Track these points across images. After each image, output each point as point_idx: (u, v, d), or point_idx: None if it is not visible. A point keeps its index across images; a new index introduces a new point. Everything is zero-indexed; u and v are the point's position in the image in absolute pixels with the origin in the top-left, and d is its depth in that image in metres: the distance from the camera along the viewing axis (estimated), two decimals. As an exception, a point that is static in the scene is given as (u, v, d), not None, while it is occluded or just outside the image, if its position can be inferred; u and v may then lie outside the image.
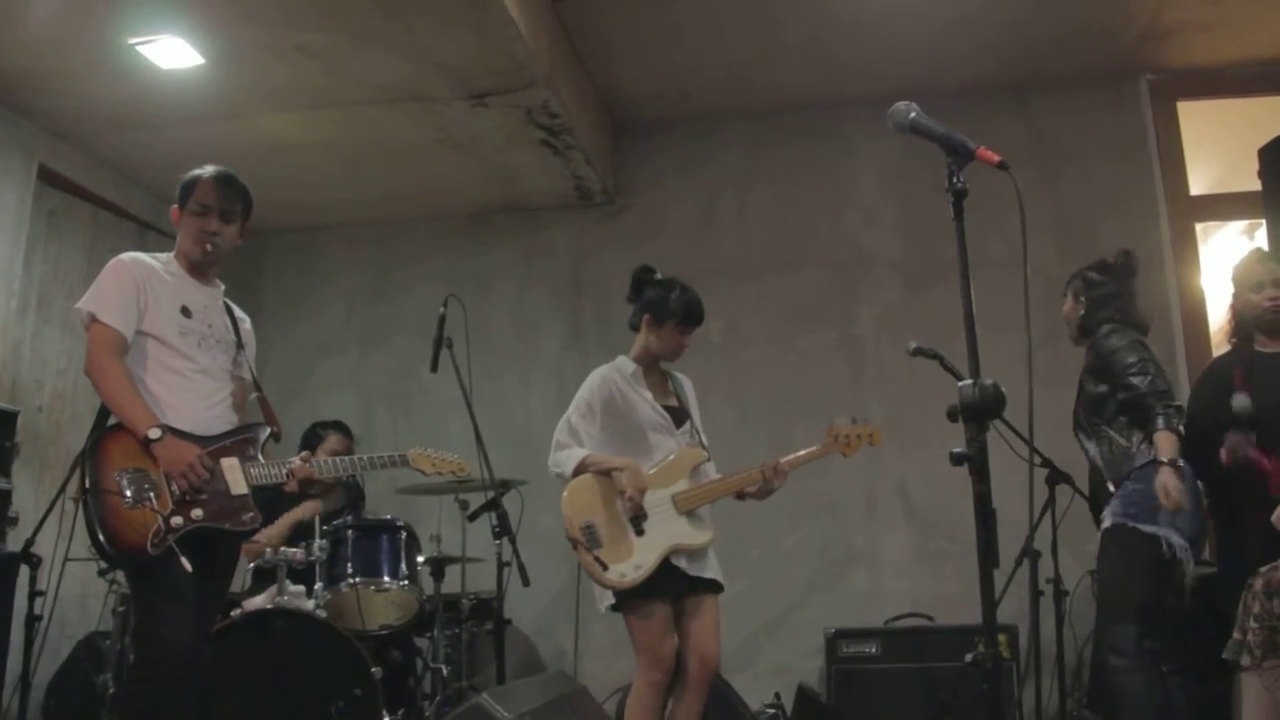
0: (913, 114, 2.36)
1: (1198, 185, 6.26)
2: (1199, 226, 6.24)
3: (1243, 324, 4.27)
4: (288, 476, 3.44)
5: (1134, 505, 3.81)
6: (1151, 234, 6.07)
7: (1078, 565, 4.99)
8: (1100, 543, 3.95)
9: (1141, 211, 6.11)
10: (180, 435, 3.22)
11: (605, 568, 3.74)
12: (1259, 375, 4.06)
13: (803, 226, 6.50)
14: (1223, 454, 3.97)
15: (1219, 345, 5.50)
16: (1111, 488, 3.93)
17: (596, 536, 3.80)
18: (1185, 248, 6.08)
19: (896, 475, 6.01)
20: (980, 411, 2.14)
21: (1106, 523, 3.90)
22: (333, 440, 5.70)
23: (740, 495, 4.01)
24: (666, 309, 4.08)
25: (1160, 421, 3.83)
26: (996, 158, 2.20)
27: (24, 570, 4.44)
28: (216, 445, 3.31)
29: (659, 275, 4.20)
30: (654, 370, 4.17)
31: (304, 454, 3.58)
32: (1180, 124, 6.26)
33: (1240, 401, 4.01)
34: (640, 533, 3.84)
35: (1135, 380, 3.93)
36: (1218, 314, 5.78)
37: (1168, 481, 3.70)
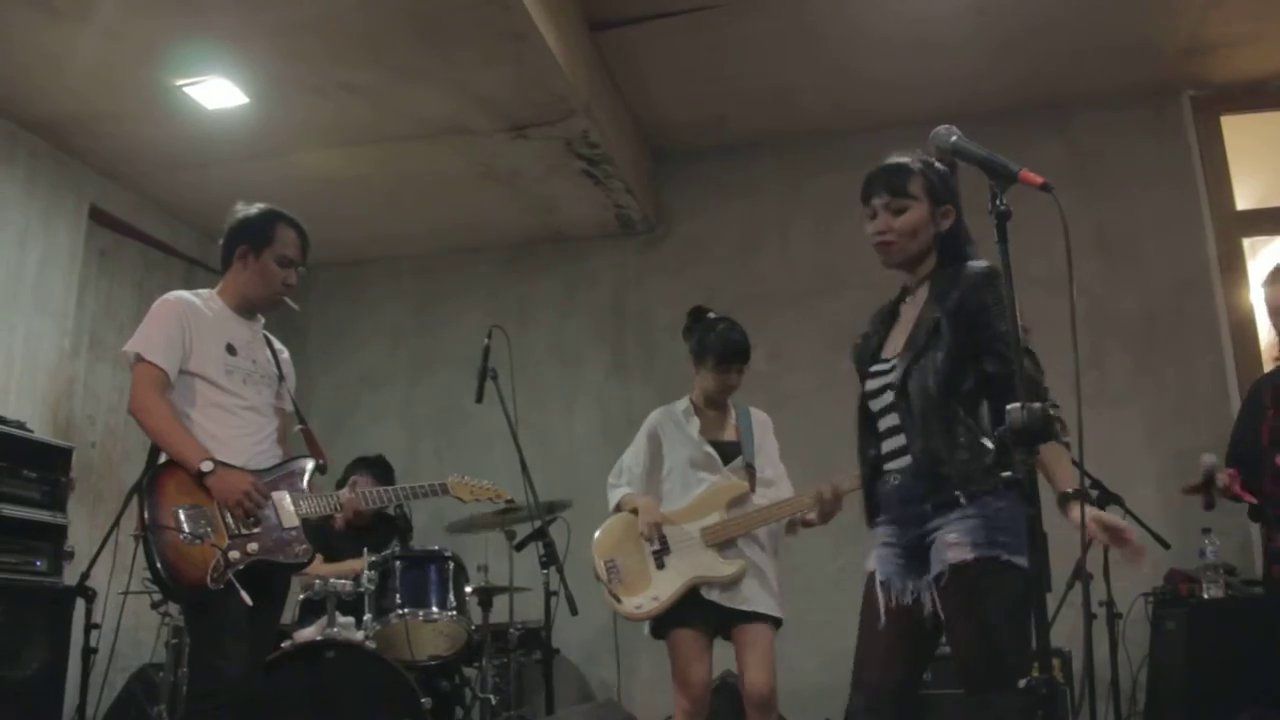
0: (954, 138, 2.35)
1: (1244, 200, 6.20)
2: (1246, 242, 6.17)
3: None
4: (338, 508, 3.48)
5: (1004, 532, 2.60)
6: (1198, 251, 6.02)
7: (1131, 588, 4.94)
8: (950, 579, 2.62)
9: (1187, 228, 6.05)
10: (230, 468, 3.26)
11: (619, 600, 3.93)
12: None
13: (844, 250, 6.46)
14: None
15: (1269, 362, 5.42)
16: (963, 499, 2.66)
17: (617, 571, 3.97)
18: (1233, 264, 6.01)
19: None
20: (1029, 435, 2.12)
21: (964, 554, 2.61)
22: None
23: (794, 525, 3.96)
24: (704, 349, 4.11)
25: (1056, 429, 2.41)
26: (1040, 180, 2.19)
27: (79, 603, 4.51)
28: (265, 479, 3.35)
29: (711, 314, 4.18)
30: (715, 406, 4.17)
31: (352, 480, 3.64)
32: (1224, 139, 6.21)
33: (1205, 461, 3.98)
34: (661, 566, 3.94)
35: (1025, 359, 2.51)
36: (1268, 330, 5.71)
37: (1109, 522, 2.50)
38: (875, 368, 2.88)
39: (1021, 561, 2.52)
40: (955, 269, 2.79)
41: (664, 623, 3.91)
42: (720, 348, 4.07)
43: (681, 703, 3.87)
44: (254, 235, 3.49)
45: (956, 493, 2.64)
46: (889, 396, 2.79)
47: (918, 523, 2.72)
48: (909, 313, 2.88)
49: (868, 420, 2.90)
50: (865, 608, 2.80)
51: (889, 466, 2.81)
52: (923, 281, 2.86)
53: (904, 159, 2.83)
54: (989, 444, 2.63)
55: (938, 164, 2.83)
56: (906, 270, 2.89)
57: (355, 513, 3.57)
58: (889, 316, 2.97)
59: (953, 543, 2.62)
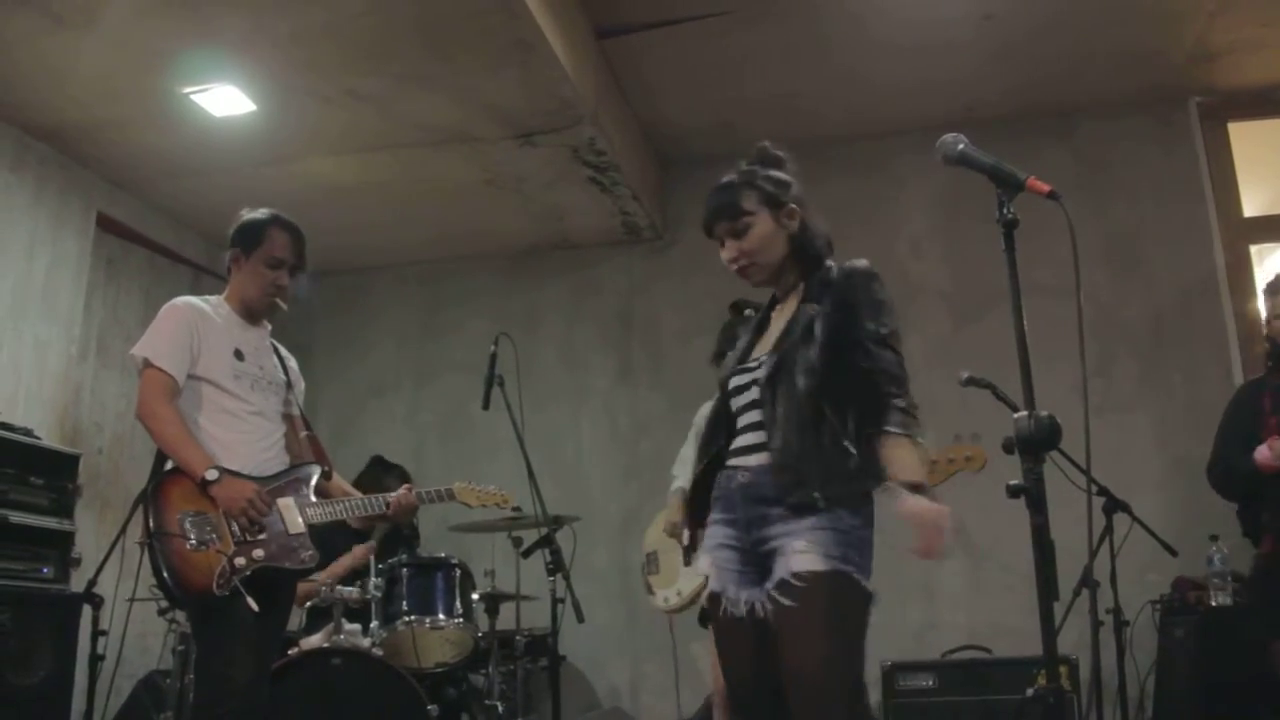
0: (961, 146, 2.35)
1: (1251, 207, 6.19)
2: (1254, 249, 6.16)
3: (1276, 348, 4.15)
4: (386, 507, 3.55)
5: (855, 550, 2.51)
6: (1205, 258, 6.01)
7: (1138, 595, 4.92)
8: (795, 589, 2.47)
9: (1194, 235, 6.05)
10: (235, 476, 3.26)
11: (651, 591, 4.14)
12: None
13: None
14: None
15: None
16: (821, 502, 2.50)
17: (656, 563, 4.16)
18: (1240, 271, 6.00)
19: (950, 505, 5.94)
20: (1037, 443, 2.11)
21: (814, 564, 2.46)
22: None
23: None
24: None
25: (898, 420, 2.56)
26: (1047, 188, 2.19)
27: (86, 610, 4.51)
28: (271, 486, 3.35)
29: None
30: None
31: (407, 486, 3.66)
32: (1232, 145, 6.20)
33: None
34: (688, 562, 3.95)
35: (889, 354, 2.63)
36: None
37: (929, 516, 2.49)
38: (741, 366, 2.77)
39: (868, 585, 2.49)
40: (828, 270, 2.78)
41: (701, 619, 4.01)
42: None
43: (716, 697, 3.96)
44: (245, 238, 3.49)
45: (815, 494, 2.50)
46: (753, 393, 2.66)
47: (761, 525, 2.58)
48: (780, 319, 2.80)
49: (722, 420, 2.77)
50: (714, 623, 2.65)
51: (736, 462, 2.67)
52: (792, 288, 2.82)
53: (730, 177, 2.83)
54: (852, 448, 2.53)
55: (765, 169, 2.85)
56: (772, 284, 2.86)
57: (413, 510, 3.67)
58: (759, 325, 2.89)
59: (801, 550, 2.48)
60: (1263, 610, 3.87)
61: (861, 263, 2.76)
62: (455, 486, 3.83)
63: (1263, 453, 3.95)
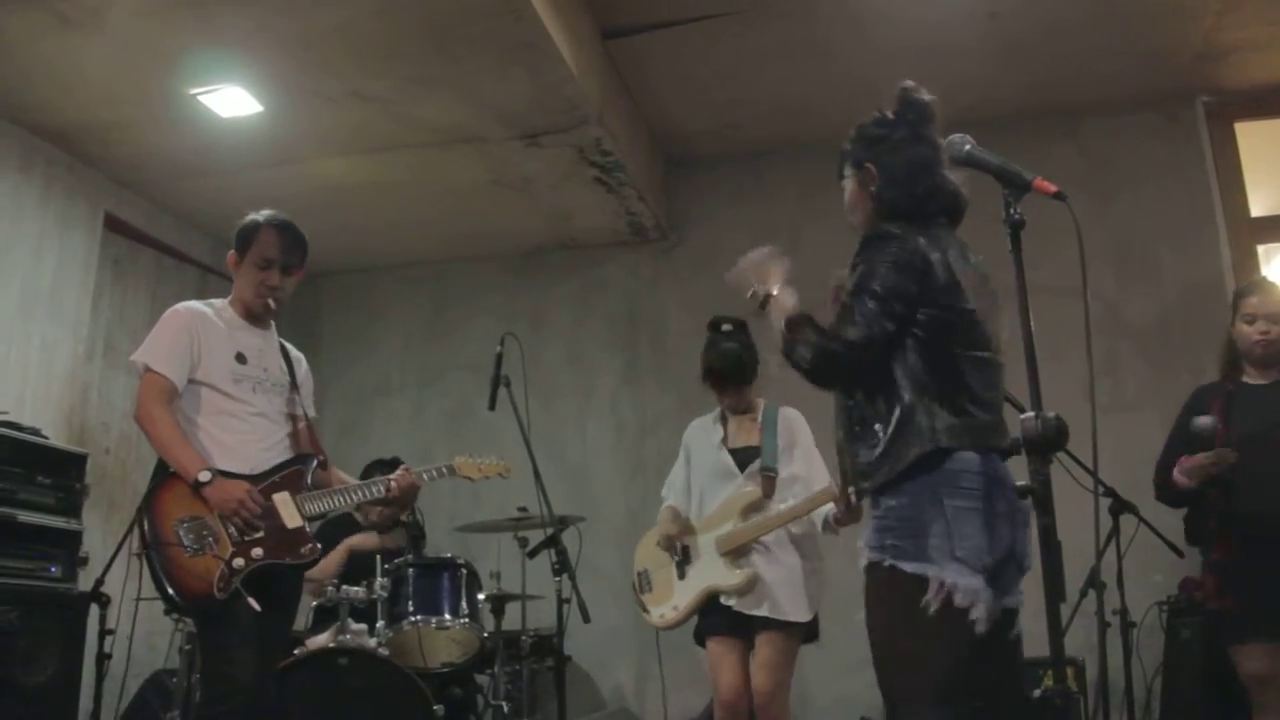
0: (968, 146, 2.35)
1: (1258, 207, 6.17)
2: (1261, 249, 6.14)
3: (1233, 353, 4.11)
4: (386, 491, 3.54)
5: (892, 533, 2.36)
6: (1212, 258, 5.99)
7: (1145, 596, 4.91)
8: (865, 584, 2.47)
9: (1201, 235, 6.03)
10: (229, 477, 3.25)
11: (646, 610, 4.14)
12: (1240, 406, 3.98)
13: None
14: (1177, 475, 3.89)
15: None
16: (865, 493, 2.48)
17: (648, 582, 4.16)
18: (1247, 270, 5.97)
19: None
20: (1044, 444, 2.11)
21: (863, 559, 2.44)
22: None
23: (829, 525, 3.89)
24: (702, 370, 4.15)
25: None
26: (1053, 188, 2.19)
27: (94, 609, 4.52)
28: (266, 482, 3.34)
29: (725, 325, 4.17)
30: (741, 412, 4.18)
31: (405, 467, 3.65)
32: (1238, 145, 6.19)
33: (1202, 422, 3.93)
34: (682, 576, 4.06)
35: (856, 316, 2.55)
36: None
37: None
38: None
39: (911, 568, 2.29)
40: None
41: (700, 630, 4.03)
42: (705, 373, 4.13)
43: (716, 709, 3.97)
44: (240, 241, 3.50)
45: (859, 486, 2.45)
46: None
47: None
48: None
49: None
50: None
51: None
52: None
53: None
54: (880, 427, 2.39)
55: (869, 126, 2.89)
56: None
57: (414, 493, 3.64)
58: None
59: (860, 547, 2.44)
60: (1233, 615, 3.83)
61: (882, 229, 2.58)
62: (455, 461, 3.86)
63: (1177, 476, 3.93)
